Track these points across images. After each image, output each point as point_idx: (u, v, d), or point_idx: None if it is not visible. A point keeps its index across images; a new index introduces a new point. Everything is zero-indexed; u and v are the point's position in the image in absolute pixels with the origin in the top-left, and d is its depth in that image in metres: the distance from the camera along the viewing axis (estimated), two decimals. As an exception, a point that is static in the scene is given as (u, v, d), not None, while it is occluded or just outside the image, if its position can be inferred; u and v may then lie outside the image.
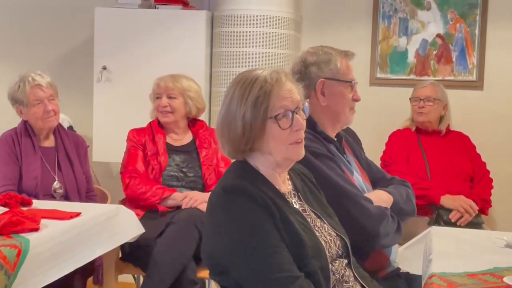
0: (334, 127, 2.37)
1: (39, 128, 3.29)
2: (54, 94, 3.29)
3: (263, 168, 1.84)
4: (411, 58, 4.37)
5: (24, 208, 2.65)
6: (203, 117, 3.74)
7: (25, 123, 3.29)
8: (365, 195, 2.27)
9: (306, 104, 1.86)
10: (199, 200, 3.23)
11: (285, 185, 1.90)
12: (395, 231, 2.26)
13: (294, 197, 1.91)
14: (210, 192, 3.19)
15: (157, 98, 3.44)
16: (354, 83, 2.36)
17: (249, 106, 1.77)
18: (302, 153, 1.85)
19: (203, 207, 3.18)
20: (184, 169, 3.39)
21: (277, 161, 1.83)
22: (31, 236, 2.26)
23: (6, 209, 2.62)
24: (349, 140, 2.54)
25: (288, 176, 1.94)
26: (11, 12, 4.67)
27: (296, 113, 1.81)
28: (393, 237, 2.26)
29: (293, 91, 1.83)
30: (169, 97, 3.41)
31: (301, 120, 1.82)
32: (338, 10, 4.45)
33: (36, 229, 2.34)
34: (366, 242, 2.16)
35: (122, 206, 2.99)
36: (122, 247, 3.10)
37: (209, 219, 1.80)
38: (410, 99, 4.03)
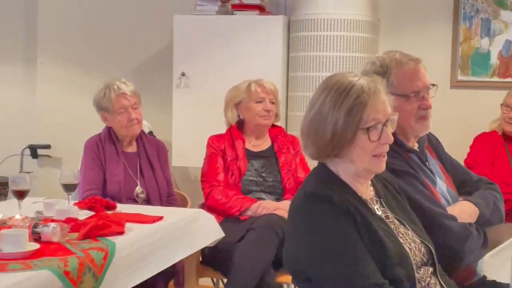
0: (408, 139, 2.30)
1: (123, 135, 3.37)
2: (138, 102, 3.36)
3: (344, 174, 1.82)
4: (493, 59, 4.24)
5: (109, 212, 2.73)
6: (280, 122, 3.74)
7: (109, 129, 3.38)
8: (449, 208, 2.20)
9: (395, 117, 1.82)
10: (270, 208, 3.24)
11: (367, 192, 1.88)
12: (481, 246, 2.19)
13: (377, 203, 1.88)
14: (283, 201, 3.30)
15: (258, 102, 3.44)
16: (420, 91, 2.26)
17: (342, 113, 1.74)
18: (383, 167, 1.82)
19: (281, 212, 3.19)
20: (263, 174, 3.41)
21: (358, 171, 1.80)
22: (117, 239, 2.32)
23: (92, 213, 2.72)
24: (433, 142, 2.47)
25: (370, 182, 1.91)
26: (94, 22, 4.82)
27: (386, 126, 1.78)
28: (478, 253, 2.19)
29: (386, 103, 1.79)
30: (271, 102, 3.44)
31: (389, 134, 1.78)
32: (417, 12, 4.37)
33: (122, 233, 2.40)
34: (450, 261, 2.09)
35: (202, 210, 3.04)
36: (202, 251, 3.13)
37: (291, 224, 1.79)
38: (501, 104, 3.92)
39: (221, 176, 3.38)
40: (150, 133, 4.23)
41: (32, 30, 4.92)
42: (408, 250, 1.80)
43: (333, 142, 1.76)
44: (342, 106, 1.75)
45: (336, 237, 1.69)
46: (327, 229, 1.69)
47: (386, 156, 1.81)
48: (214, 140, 3.48)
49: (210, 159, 3.44)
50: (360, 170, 1.80)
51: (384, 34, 4.39)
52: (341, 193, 1.75)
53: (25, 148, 4.82)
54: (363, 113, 1.74)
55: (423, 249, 1.86)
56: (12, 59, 4.99)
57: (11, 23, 4.98)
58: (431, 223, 2.07)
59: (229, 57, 4.22)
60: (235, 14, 4.28)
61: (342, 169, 1.82)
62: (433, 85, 2.31)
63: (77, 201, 2.95)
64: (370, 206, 1.83)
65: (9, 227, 2.35)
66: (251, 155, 3.44)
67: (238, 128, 3.52)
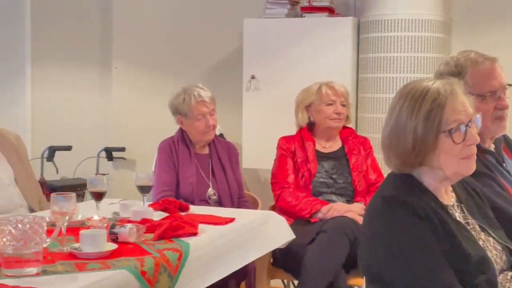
0: (484, 140, 2.25)
1: (197, 140, 3.43)
2: (215, 108, 3.42)
3: (427, 180, 1.78)
4: None
5: (182, 213, 2.79)
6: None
7: (182, 131, 3.45)
8: None
9: (478, 116, 1.77)
10: (341, 211, 3.23)
11: (448, 197, 1.84)
12: None
13: (458, 208, 1.84)
14: (354, 203, 3.28)
15: (329, 104, 3.44)
16: (496, 91, 2.20)
17: (420, 119, 1.71)
18: (473, 167, 1.77)
19: (353, 215, 3.18)
20: (333, 176, 3.40)
21: (447, 176, 1.76)
22: (191, 240, 2.37)
23: (166, 214, 2.78)
24: (509, 143, 2.41)
25: (451, 188, 1.88)
26: (166, 27, 4.92)
27: (469, 127, 1.74)
28: None
29: (466, 103, 1.75)
30: (342, 104, 3.44)
31: (474, 133, 1.74)
32: (491, 10, 4.26)
33: (195, 234, 2.44)
34: None
35: (273, 212, 3.06)
36: (273, 252, 3.16)
37: (367, 228, 1.79)
38: None
39: (291, 178, 3.40)
40: (221, 135, 4.28)
41: (107, 36, 5.07)
42: (490, 256, 1.76)
43: (415, 151, 1.72)
44: (419, 111, 1.71)
45: (414, 243, 1.66)
46: (405, 234, 1.67)
47: (475, 156, 1.76)
48: (284, 142, 3.50)
49: (280, 161, 3.46)
50: (450, 175, 1.76)
51: (457, 34, 4.30)
52: (421, 198, 1.72)
53: (101, 151, 4.97)
54: (442, 116, 1.71)
55: (504, 257, 1.82)
56: (89, 65, 5.15)
57: (87, 30, 5.14)
58: (509, 225, 2.02)
59: (298, 60, 4.23)
60: (304, 16, 4.29)
61: (429, 177, 1.78)
62: (510, 85, 2.26)
63: (151, 203, 3.03)
64: (450, 211, 1.79)
65: (88, 227, 2.42)
66: (321, 157, 3.44)
67: (309, 129, 3.52)
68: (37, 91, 5.30)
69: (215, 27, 4.80)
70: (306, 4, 4.30)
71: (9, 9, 5.33)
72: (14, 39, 5.30)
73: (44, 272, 1.92)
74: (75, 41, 5.16)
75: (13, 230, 1.89)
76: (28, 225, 1.90)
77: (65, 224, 2.21)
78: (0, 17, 5.37)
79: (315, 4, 4.27)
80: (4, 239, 1.89)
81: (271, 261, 3.27)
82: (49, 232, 2.03)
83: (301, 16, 4.31)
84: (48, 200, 3.35)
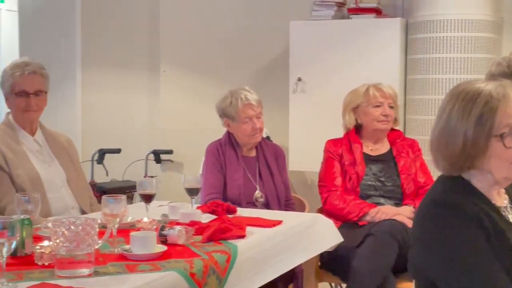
0: None
1: (244, 143, 3.45)
2: (261, 111, 3.43)
3: (478, 182, 1.75)
4: None
5: (230, 216, 2.81)
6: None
7: (229, 134, 3.47)
8: None
9: None
10: (389, 214, 3.20)
11: (500, 198, 1.80)
12: None
13: (511, 210, 1.81)
14: (403, 206, 3.24)
15: (377, 106, 3.42)
16: None
17: (471, 122, 1.68)
18: None
19: (401, 218, 3.15)
20: (381, 179, 3.37)
21: (497, 180, 1.73)
22: (239, 243, 2.38)
23: (213, 216, 2.80)
24: None
25: (503, 190, 1.84)
26: (212, 31, 4.96)
27: None
28: None
29: None
30: (390, 106, 3.41)
31: None
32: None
33: (243, 236, 2.45)
34: None
35: (321, 215, 3.05)
36: (321, 255, 3.14)
37: (417, 231, 1.76)
38: None
39: (338, 181, 3.38)
40: (268, 138, 4.29)
41: (155, 40, 5.13)
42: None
43: (465, 154, 1.69)
44: (470, 114, 1.68)
45: (465, 247, 1.63)
46: (456, 237, 1.64)
47: None
48: (331, 145, 3.48)
49: (327, 164, 3.45)
50: (500, 179, 1.72)
51: (508, 34, 4.21)
52: (472, 200, 1.69)
53: (149, 153, 5.03)
54: (494, 120, 1.67)
55: None
56: (137, 69, 5.23)
57: (136, 34, 5.22)
58: None
59: (345, 61, 4.21)
60: (351, 18, 4.27)
61: (478, 180, 1.75)
62: None
63: (199, 205, 3.05)
64: (503, 213, 1.76)
65: (138, 229, 2.46)
66: (369, 159, 3.41)
67: (356, 132, 3.50)
68: (87, 95, 5.41)
69: (261, 30, 4.81)
70: (353, 6, 4.28)
71: (60, 15, 5.45)
72: (65, 44, 5.42)
73: (96, 273, 1.96)
74: (124, 46, 5.24)
75: (66, 232, 1.93)
76: (80, 227, 1.94)
77: (116, 226, 2.25)
78: (52, 23, 5.49)
79: (362, 5, 4.24)
80: (58, 241, 1.93)
81: (319, 264, 3.26)
82: (100, 234, 2.07)
83: (348, 18, 4.29)
84: (99, 202, 3.42)
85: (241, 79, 4.62)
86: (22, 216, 2.18)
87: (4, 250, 1.81)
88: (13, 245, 1.83)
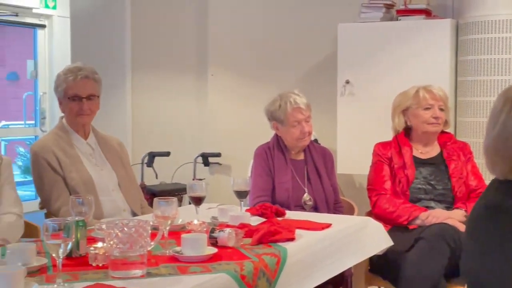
0: None
1: (292, 146, 3.45)
2: (310, 115, 3.42)
3: None
4: None
5: (279, 219, 2.81)
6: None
7: (277, 137, 3.48)
8: None
9: None
10: (440, 217, 3.16)
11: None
12: None
13: None
14: (454, 210, 3.19)
15: (427, 108, 3.37)
16: None
17: None
18: None
19: (453, 222, 3.10)
20: (432, 182, 3.33)
21: None
22: (288, 246, 2.38)
23: (262, 219, 2.81)
24: None
25: None
26: (260, 34, 4.98)
27: None
28: None
29: None
30: (440, 109, 3.37)
31: None
32: None
33: (292, 239, 2.45)
34: None
35: (370, 218, 3.03)
36: (371, 259, 3.12)
37: (471, 236, 1.74)
38: None
39: (387, 184, 3.35)
40: (315, 140, 4.28)
41: (203, 44, 5.18)
42: None
43: None
44: None
45: None
46: (509, 242, 1.62)
47: None
48: (380, 148, 3.45)
49: (376, 167, 3.42)
50: None
51: None
52: None
53: (197, 156, 5.08)
54: None
55: None
56: (186, 73, 5.29)
57: (184, 39, 5.28)
58: None
59: (394, 63, 4.17)
60: (400, 19, 4.23)
61: None
62: None
63: (248, 207, 3.07)
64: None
65: (188, 231, 2.48)
66: (418, 163, 3.37)
67: (405, 134, 3.46)
68: (137, 99, 5.49)
69: (309, 32, 4.81)
70: (402, 7, 4.24)
71: (111, 21, 5.55)
72: (115, 50, 5.52)
73: (149, 275, 1.99)
74: (173, 50, 5.31)
75: (119, 234, 1.96)
76: (133, 229, 1.98)
77: (167, 228, 2.28)
78: (103, 29, 5.60)
79: (411, 6, 4.20)
80: (112, 242, 1.97)
81: (368, 267, 3.24)
82: (152, 236, 2.10)
83: (397, 20, 4.25)
84: (149, 204, 3.48)
85: (289, 82, 4.63)
86: (76, 218, 2.23)
87: (60, 251, 1.85)
88: (69, 246, 1.88)
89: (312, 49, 4.80)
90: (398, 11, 4.26)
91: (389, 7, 4.30)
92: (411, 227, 3.19)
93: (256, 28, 5.00)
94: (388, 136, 3.53)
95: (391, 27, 4.23)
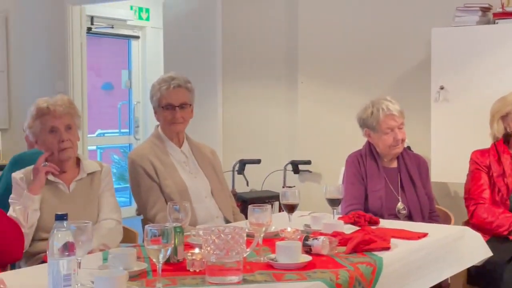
0: None
1: (385, 153, 3.40)
2: (404, 122, 3.36)
3: None
4: None
5: (373, 227, 2.77)
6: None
7: (370, 145, 3.43)
8: None
9: None
10: None
11: None
12: None
13: None
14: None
15: None
16: None
17: None
18: None
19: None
20: (533, 191, 3.20)
21: None
22: (384, 255, 2.34)
23: (355, 227, 2.78)
24: None
25: None
26: (351, 40, 4.94)
27: None
28: None
29: None
30: None
31: None
32: None
33: (387, 248, 2.42)
34: None
35: (468, 228, 2.94)
36: (469, 270, 3.03)
37: None
38: None
39: (486, 193, 3.25)
40: (408, 148, 4.19)
41: (293, 52, 5.19)
42: None
43: None
44: None
45: None
46: None
47: None
48: (478, 155, 3.35)
49: (474, 176, 3.32)
50: None
51: None
52: None
53: (287, 164, 5.08)
54: None
55: None
56: (275, 81, 5.31)
57: (273, 47, 5.30)
58: None
59: (491, 68, 4.03)
60: (497, 23, 4.09)
61: None
62: None
63: (340, 215, 3.04)
64: None
65: (282, 239, 2.49)
66: (519, 171, 3.25)
67: (504, 141, 3.34)
68: (228, 108, 5.56)
69: (401, 37, 4.72)
70: (499, 10, 4.09)
71: (202, 32, 5.66)
72: (206, 59, 5.62)
73: (245, 281, 2.00)
74: (262, 59, 5.34)
75: (216, 240, 1.99)
76: (230, 236, 2.00)
77: (262, 235, 2.29)
78: (194, 39, 5.72)
79: (509, 9, 4.05)
80: (208, 248, 2.00)
81: (466, 279, 3.14)
82: (246, 243, 2.11)
83: (494, 23, 4.11)
84: (240, 211, 3.51)
85: (380, 88, 4.56)
86: (174, 224, 2.27)
87: (160, 256, 1.90)
88: (168, 252, 1.93)
89: (404, 54, 4.71)
90: (495, 14, 4.12)
91: (485, 10, 4.17)
92: (511, 237, 3.07)
93: (346, 34, 4.96)
94: (485, 143, 3.42)
95: (488, 31, 4.09)
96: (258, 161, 5.08)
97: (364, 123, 3.41)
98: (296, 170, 5.09)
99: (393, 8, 4.75)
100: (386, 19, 4.79)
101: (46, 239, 2.62)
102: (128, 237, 3.03)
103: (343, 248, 2.40)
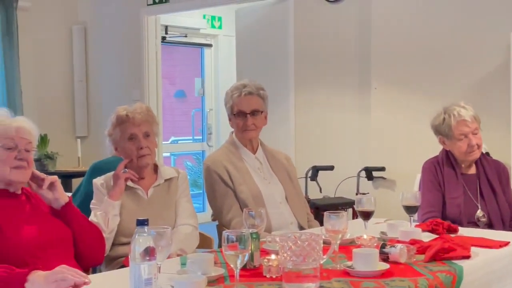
0: None
1: (462, 160, 3.33)
2: (478, 127, 3.29)
3: None
4: None
5: (452, 235, 2.71)
6: None
7: (446, 151, 3.36)
8: None
9: None
10: None
11: None
12: None
13: None
14: None
15: None
16: None
17: None
18: None
19: None
20: None
21: None
22: (464, 263, 2.29)
23: (433, 235, 2.73)
24: None
25: None
26: (425, 45, 4.85)
27: None
28: None
29: None
30: None
31: None
32: None
33: (468, 257, 2.36)
34: None
35: (553, 237, 2.83)
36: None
37: None
38: None
39: None
40: (487, 154, 4.08)
41: (366, 58, 5.15)
42: None
43: None
44: None
45: None
46: None
47: None
48: None
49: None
50: None
51: None
52: None
53: (361, 170, 5.04)
54: None
55: None
56: (348, 87, 5.28)
57: (346, 53, 5.27)
58: None
59: None
60: None
61: None
62: None
63: (417, 223, 2.99)
64: None
65: (358, 246, 2.47)
66: None
67: None
68: (300, 114, 5.57)
69: (478, 42, 4.61)
70: None
71: (274, 39, 5.70)
72: (279, 66, 5.65)
73: (322, 288, 2.00)
74: (335, 65, 5.32)
75: (293, 246, 1.99)
76: (306, 242, 1.99)
77: (338, 242, 2.28)
78: (266, 46, 5.77)
79: None
80: (285, 254, 2.00)
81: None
82: (323, 249, 2.10)
83: None
84: (314, 218, 3.50)
85: (456, 94, 4.46)
86: (250, 230, 2.29)
87: (238, 261, 1.92)
88: (246, 257, 1.94)
89: (481, 59, 4.59)
90: None
91: None
92: None
93: (420, 39, 4.88)
94: None
95: None
96: (331, 168, 5.06)
97: (437, 130, 3.35)
98: (369, 177, 5.04)
99: (470, 12, 4.64)
100: (462, 24, 4.69)
101: (125, 244, 2.72)
102: (204, 242, 3.06)
103: (421, 256, 2.36)
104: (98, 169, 3.30)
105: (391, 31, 5.01)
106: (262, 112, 3.29)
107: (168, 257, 2.52)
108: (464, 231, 2.87)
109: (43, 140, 6.13)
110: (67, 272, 1.93)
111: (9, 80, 6.22)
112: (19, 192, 2.44)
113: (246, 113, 3.24)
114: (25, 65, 6.41)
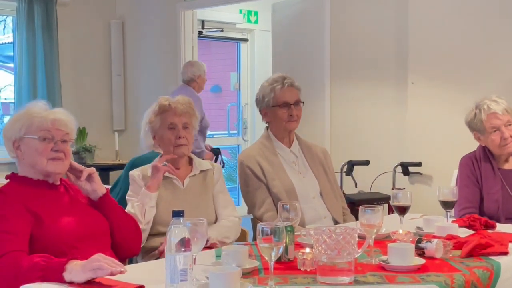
0: None
1: (498, 154, 3.28)
2: (511, 119, 3.24)
3: None
4: None
5: (489, 231, 2.68)
6: None
7: (483, 147, 3.32)
8: None
9: None
10: None
11: None
12: None
13: None
14: None
15: None
16: None
17: None
18: None
19: None
20: None
21: None
22: (501, 260, 2.26)
23: (470, 231, 2.70)
24: None
25: None
26: (463, 40, 4.78)
27: None
28: None
29: None
30: None
31: None
32: None
33: (506, 253, 2.33)
34: None
35: None
36: None
37: None
38: None
39: None
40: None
41: (403, 52, 5.09)
42: None
43: None
44: None
45: None
46: None
47: None
48: None
49: None
50: None
51: None
52: None
53: (397, 166, 5.00)
54: None
55: None
56: (384, 81, 5.23)
57: (383, 47, 5.23)
58: None
59: None
60: None
61: None
62: None
63: (454, 219, 2.96)
64: None
65: (394, 241, 2.45)
66: None
67: None
68: (336, 108, 5.54)
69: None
70: None
71: (309, 34, 5.68)
72: (314, 61, 5.63)
73: (356, 282, 1.99)
74: (371, 59, 5.28)
75: (328, 240, 1.99)
76: (341, 236, 2.00)
77: (373, 236, 2.27)
78: (302, 41, 5.76)
79: None
80: (320, 248, 2.00)
81: None
82: (358, 244, 2.10)
83: None
84: (350, 213, 3.49)
85: (493, 88, 4.37)
86: (285, 223, 2.29)
87: (273, 254, 1.93)
88: (280, 250, 1.95)
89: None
90: None
91: None
92: None
93: (458, 33, 4.80)
94: None
95: None
96: (366, 163, 5.03)
97: (470, 126, 3.33)
98: (406, 172, 5.00)
99: (505, 9, 4.56)
100: (500, 18, 4.60)
101: (162, 233, 2.75)
102: (239, 235, 3.08)
103: (458, 252, 2.34)
104: (136, 165, 3.33)
105: (429, 25, 4.95)
106: (303, 103, 3.32)
107: (213, 245, 2.58)
108: (502, 227, 2.84)
109: (82, 133, 6.23)
110: (103, 261, 1.97)
111: (48, 74, 6.33)
112: (58, 183, 2.48)
113: (290, 104, 3.26)
114: (64, 59, 6.52)
